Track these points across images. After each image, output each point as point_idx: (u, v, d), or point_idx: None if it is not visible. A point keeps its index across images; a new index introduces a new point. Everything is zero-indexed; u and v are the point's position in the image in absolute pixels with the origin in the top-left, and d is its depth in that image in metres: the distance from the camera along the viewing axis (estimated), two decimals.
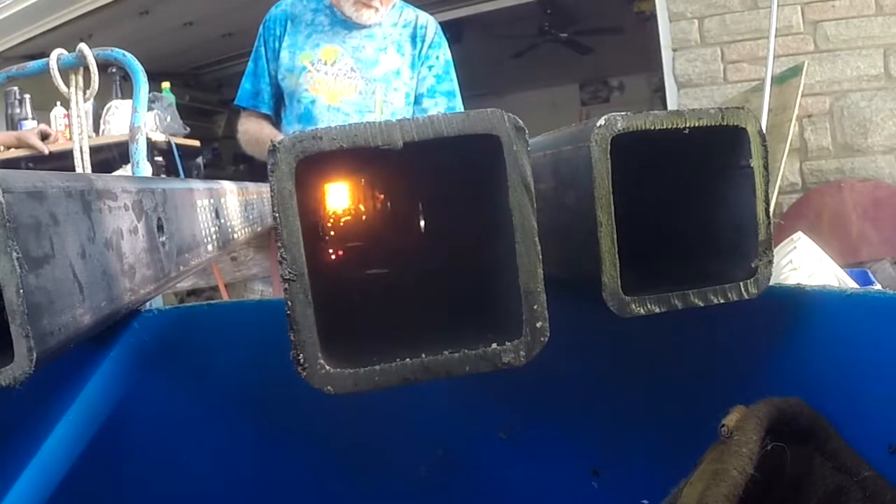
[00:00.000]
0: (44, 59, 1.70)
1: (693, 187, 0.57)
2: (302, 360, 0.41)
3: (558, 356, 0.47)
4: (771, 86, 2.71)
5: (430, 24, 2.00)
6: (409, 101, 1.97)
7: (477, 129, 0.42)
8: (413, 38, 1.97)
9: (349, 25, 1.92)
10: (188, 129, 3.32)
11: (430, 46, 1.97)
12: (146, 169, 1.69)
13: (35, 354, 0.38)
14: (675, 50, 3.38)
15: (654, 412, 0.64)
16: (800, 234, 1.86)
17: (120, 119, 2.96)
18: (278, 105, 2.01)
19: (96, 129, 2.98)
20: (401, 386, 0.42)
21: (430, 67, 1.98)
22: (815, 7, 3.16)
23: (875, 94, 3.14)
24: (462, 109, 2.00)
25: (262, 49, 1.98)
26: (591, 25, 5.64)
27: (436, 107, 1.98)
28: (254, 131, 1.98)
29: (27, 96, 3.14)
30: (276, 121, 2.02)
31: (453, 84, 2.02)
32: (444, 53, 2.00)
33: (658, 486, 0.50)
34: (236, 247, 1.47)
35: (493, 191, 0.45)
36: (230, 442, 0.68)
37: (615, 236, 0.47)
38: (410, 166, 0.63)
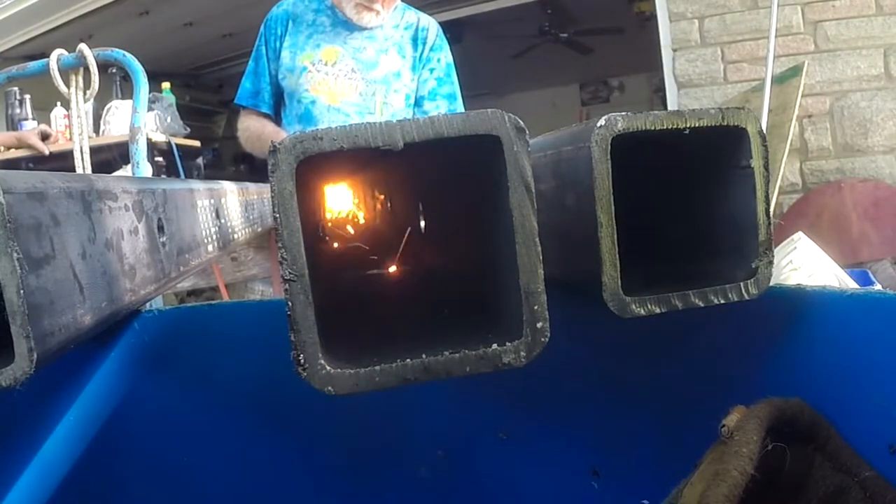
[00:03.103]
0: (44, 60, 1.70)
1: (693, 187, 0.57)
2: (302, 361, 0.41)
3: (559, 356, 0.47)
4: (771, 86, 2.71)
5: (431, 26, 1.99)
6: (410, 103, 1.97)
7: (477, 129, 0.42)
8: (414, 40, 1.97)
9: (350, 26, 1.92)
10: (188, 129, 3.32)
11: (431, 49, 1.97)
12: (146, 169, 1.69)
13: (35, 355, 0.38)
14: (675, 50, 3.38)
15: (654, 412, 0.64)
16: (800, 234, 1.86)
17: (120, 119, 2.96)
18: (278, 104, 2.01)
19: (96, 129, 2.98)
20: (401, 386, 0.42)
21: (431, 70, 1.98)
22: (815, 7, 3.16)
23: (875, 94, 3.13)
24: (461, 109, 2.00)
25: (263, 48, 1.98)
26: (592, 26, 5.64)
27: (437, 109, 1.98)
28: (256, 128, 1.98)
29: (27, 97, 3.14)
30: (276, 120, 2.02)
31: (454, 87, 2.01)
32: (446, 56, 2.00)
33: (658, 486, 0.50)
34: (236, 247, 1.47)
35: (494, 191, 0.45)
36: (230, 442, 0.68)
37: (615, 237, 0.47)
38: (411, 166, 0.63)
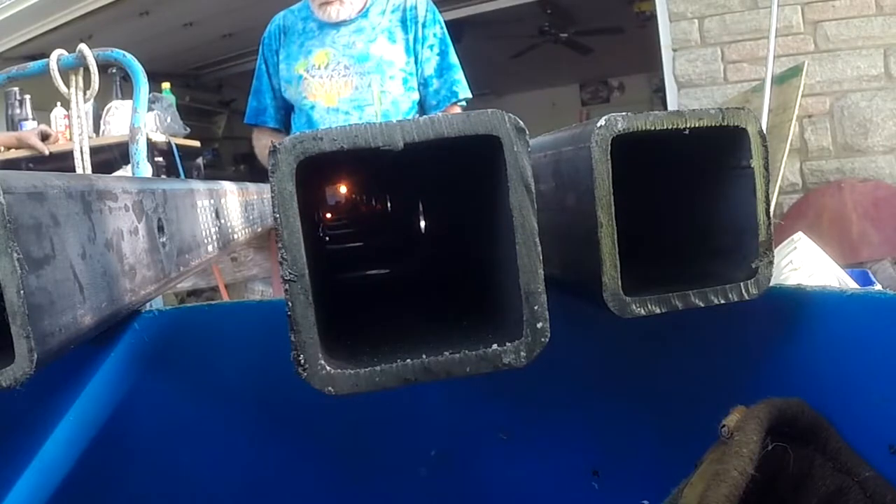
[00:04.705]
0: (44, 60, 1.70)
1: (693, 188, 0.57)
2: (302, 361, 0.41)
3: (559, 357, 0.47)
4: (771, 86, 2.71)
5: (419, 3, 1.95)
6: (409, 87, 1.94)
7: (478, 129, 0.42)
8: (404, 21, 1.94)
9: (336, 25, 1.92)
10: (188, 129, 3.32)
11: (423, 26, 1.94)
12: (146, 169, 1.70)
13: (36, 355, 0.38)
14: (675, 50, 3.38)
15: (654, 412, 0.64)
16: (800, 234, 1.86)
17: (120, 119, 2.96)
18: (288, 117, 2.03)
19: (96, 129, 2.98)
20: (401, 387, 0.42)
21: (430, 47, 1.95)
22: (815, 7, 3.16)
23: (875, 94, 3.14)
24: (465, 81, 1.98)
25: (264, 66, 2.01)
26: (591, 26, 5.65)
27: (445, 85, 1.95)
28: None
29: (27, 97, 3.14)
30: (286, 133, 2.04)
31: (455, 57, 1.98)
32: (441, 28, 1.97)
33: (658, 486, 0.50)
34: (236, 247, 1.47)
35: (494, 191, 0.45)
36: (230, 443, 0.68)
37: (616, 237, 0.47)
38: (411, 166, 0.63)
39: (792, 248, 1.80)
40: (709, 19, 3.32)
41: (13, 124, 3.16)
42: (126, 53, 1.67)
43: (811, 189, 3.18)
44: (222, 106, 6.37)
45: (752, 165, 0.50)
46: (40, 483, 0.63)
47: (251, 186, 1.32)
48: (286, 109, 2.03)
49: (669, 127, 0.48)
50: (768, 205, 0.50)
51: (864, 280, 2.05)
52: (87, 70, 1.68)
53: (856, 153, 3.16)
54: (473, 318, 0.52)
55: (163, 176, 2.83)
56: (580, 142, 0.49)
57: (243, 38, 4.40)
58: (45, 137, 2.87)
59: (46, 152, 2.80)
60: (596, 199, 0.47)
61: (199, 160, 3.50)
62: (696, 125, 0.49)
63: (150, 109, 2.80)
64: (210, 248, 0.86)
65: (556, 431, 0.67)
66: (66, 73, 1.70)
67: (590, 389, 0.66)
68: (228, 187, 1.08)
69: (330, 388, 0.41)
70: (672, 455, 0.52)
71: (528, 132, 0.43)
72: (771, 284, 0.51)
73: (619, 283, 0.48)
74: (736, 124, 0.49)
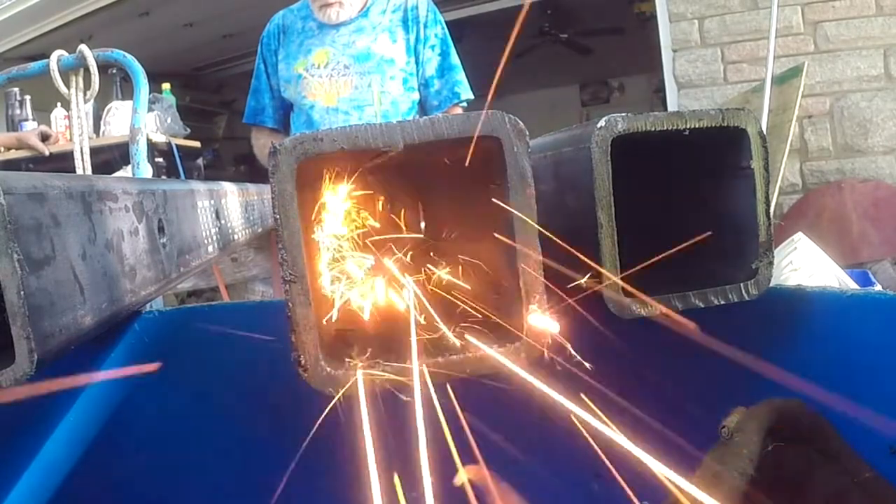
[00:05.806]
0: (44, 61, 1.70)
1: (694, 188, 0.57)
2: (303, 362, 0.41)
3: (559, 357, 0.47)
4: (771, 86, 2.71)
5: (420, 3, 1.94)
6: (409, 87, 1.93)
7: (478, 130, 0.42)
8: (405, 21, 1.93)
9: (336, 25, 1.92)
10: (188, 130, 3.32)
11: (425, 26, 1.93)
12: (147, 170, 1.69)
13: (36, 356, 0.38)
14: (675, 50, 3.38)
15: (654, 413, 0.64)
16: (800, 234, 1.86)
17: (120, 120, 2.96)
18: (287, 116, 2.02)
19: (97, 130, 2.98)
20: (401, 387, 0.42)
21: (432, 47, 1.94)
22: (815, 7, 3.16)
23: (875, 95, 3.13)
24: (466, 82, 1.98)
25: (262, 65, 2.00)
26: (592, 26, 5.65)
27: (447, 85, 1.94)
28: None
29: (27, 97, 3.14)
30: (285, 132, 2.03)
31: (456, 58, 1.97)
32: (442, 29, 1.96)
33: (658, 487, 0.50)
34: (237, 248, 1.47)
35: (495, 191, 0.45)
36: (230, 442, 0.68)
37: (616, 237, 0.47)
38: (411, 166, 0.63)
39: (792, 248, 1.80)
40: (709, 20, 3.32)
41: (13, 125, 3.16)
42: (126, 54, 1.67)
43: (811, 189, 3.18)
44: (222, 106, 6.37)
45: (753, 166, 0.50)
46: (41, 483, 0.63)
47: (251, 187, 1.32)
48: (285, 109, 2.02)
49: (669, 128, 0.49)
50: (768, 205, 0.50)
51: (864, 280, 2.05)
52: (87, 70, 1.68)
53: (856, 153, 3.16)
54: (474, 319, 0.52)
55: (163, 176, 2.83)
56: (580, 143, 0.49)
57: (243, 38, 4.40)
58: (45, 138, 2.87)
59: (46, 153, 2.80)
60: (596, 199, 0.47)
61: (200, 161, 3.50)
62: (696, 126, 0.49)
63: (150, 110, 2.80)
64: (210, 248, 0.86)
65: (556, 433, 0.67)
66: (66, 73, 1.70)
67: (590, 390, 0.66)
68: (229, 188, 1.08)
69: (330, 389, 0.41)
70: (672, 455, 0.52)
71: (528, 133, 0.43)
72: (771, 284, 0.51)
73: (619, 283, 0.48)
74: (736, 125, 0.49)
